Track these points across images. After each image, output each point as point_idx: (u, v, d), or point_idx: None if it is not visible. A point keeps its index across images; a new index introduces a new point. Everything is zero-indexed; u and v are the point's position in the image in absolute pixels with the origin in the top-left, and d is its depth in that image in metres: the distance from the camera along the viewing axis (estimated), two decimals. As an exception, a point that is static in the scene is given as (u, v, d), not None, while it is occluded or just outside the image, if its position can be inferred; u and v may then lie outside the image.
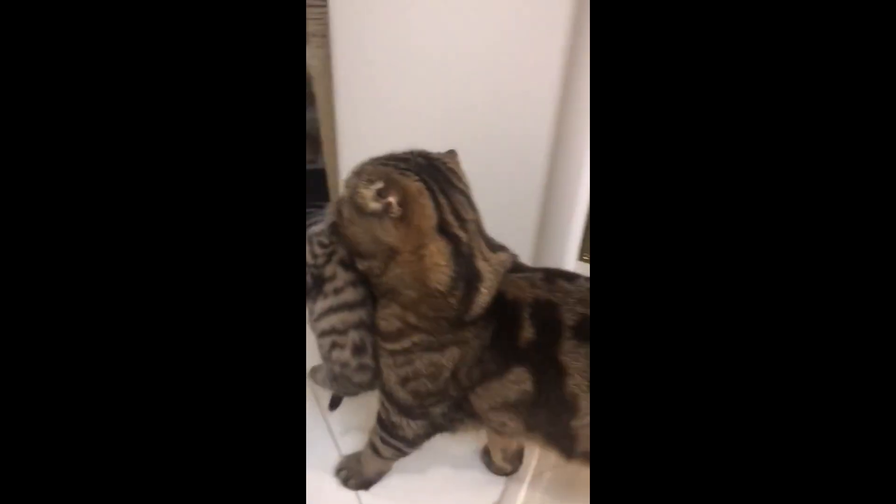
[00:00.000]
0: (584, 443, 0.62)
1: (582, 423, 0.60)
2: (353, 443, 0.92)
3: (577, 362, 0.58)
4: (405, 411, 0.69)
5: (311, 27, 1.09)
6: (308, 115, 1.85)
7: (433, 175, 0.61)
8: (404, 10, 0.89)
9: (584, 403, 0.58)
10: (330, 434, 0.95)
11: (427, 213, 0.59)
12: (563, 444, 0.64)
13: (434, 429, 0.70)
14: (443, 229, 0.60)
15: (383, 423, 0.73)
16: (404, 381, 0.66)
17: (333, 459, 0.89)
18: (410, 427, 0.70)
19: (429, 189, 0.60)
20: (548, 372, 0.59)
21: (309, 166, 1.78)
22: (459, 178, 0.65)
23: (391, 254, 0.60)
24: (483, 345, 0.60)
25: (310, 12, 1.08)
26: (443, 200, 0.60)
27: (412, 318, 0.62)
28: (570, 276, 0.63)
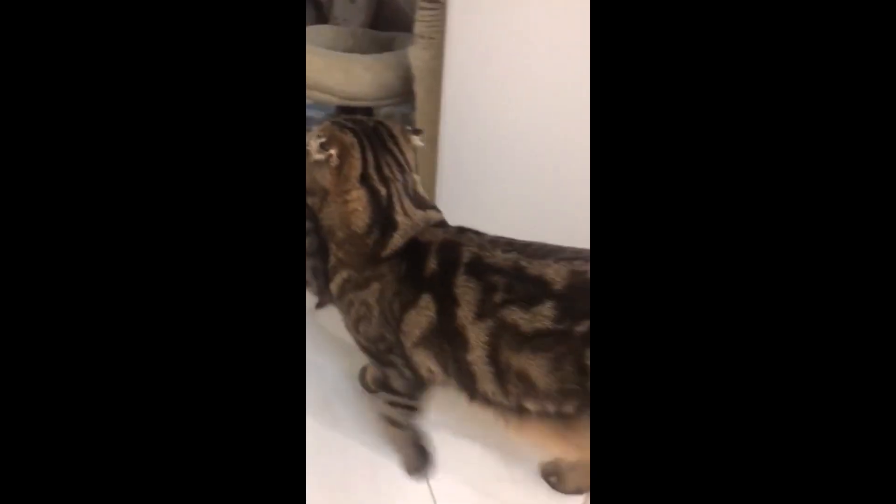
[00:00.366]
0: (482, 382, 0.67)
1: (473, 358, 0.66)
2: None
3: (466, 295, 0.66)
4: (373, 359, 0.79)
5: (418, 28, 1.12)
6: (401, 111, 1.90)
7: (370, 136, 0.74)
8: (523, 15, 0.90)
9: (472, 336, 0.65)
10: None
11: (354, 164, 0.71)
12: (465, 382, 0.69)
13: (409, 380, 0.78)
14: (364, 180, 0.71)
15: (377, 382, 0.83)
16: (355, 323, 0.77)
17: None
18: (390, 376, 0.78)
19: (360, 145, 0.72)
20: (445, 300, 0.67)
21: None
22: (396, 144, 0.76)
23: (325, 195, 0.73)
24: (397, 277, 0.70)
25: (419, 14, 1.11)
26: (370, 157, 0.72)
27: (341, 254, 0.75)
28: (480, 233, 0.73)
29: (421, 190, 0.77)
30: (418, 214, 0.74)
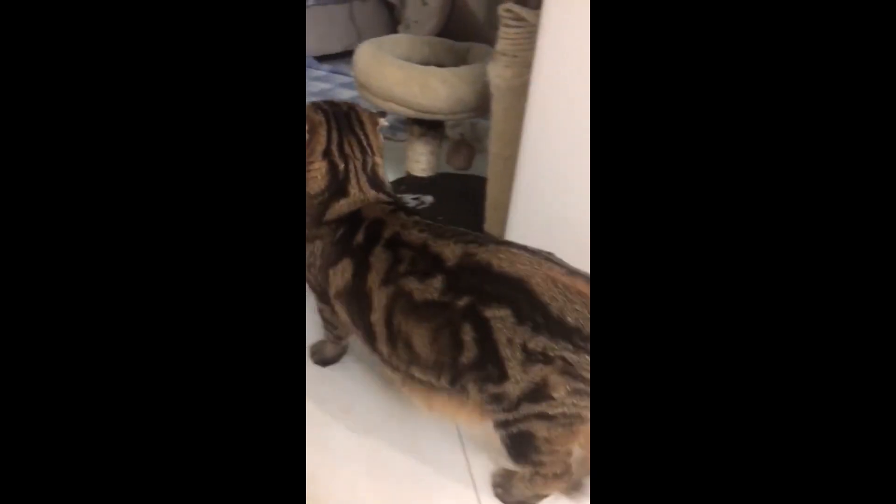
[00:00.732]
0: (380, 342, 0.77)
1: (375, 318, 0.76)
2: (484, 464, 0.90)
3: (378, 264, 0.75)
4: (315, 294, 0.92)
5: (501, 45, 1.10)
6: (472, 121, 1.88)
7: (339, 118, 0.85)
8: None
9: (376, 299, 0.75)
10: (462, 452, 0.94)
11: (320, 140, 0.84)
12: (368, 338, 0.80)
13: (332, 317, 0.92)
14: (326, 155, 0.83)
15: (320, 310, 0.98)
16: (308, 268, 0.89)
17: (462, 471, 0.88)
18: (323, 311, 0.94)
19: (327, 125, 0.84)
20: (361, 267, 0.77)
21: (463, 171, 1.82)
22: (363, 128, 0.87)
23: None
24: (331, 240, 0.82)
25: (503, 31, 1.09)
26: (334, 136, 0.84)
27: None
28: (412, 215, 0.82)
29: (381, 172, 0.89)
30: (371, 192, 0.85)
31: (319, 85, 2.63)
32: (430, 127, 1.56)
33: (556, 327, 0.64)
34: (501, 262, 0.68)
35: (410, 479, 0.87)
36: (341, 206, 0.83)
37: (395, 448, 0.92)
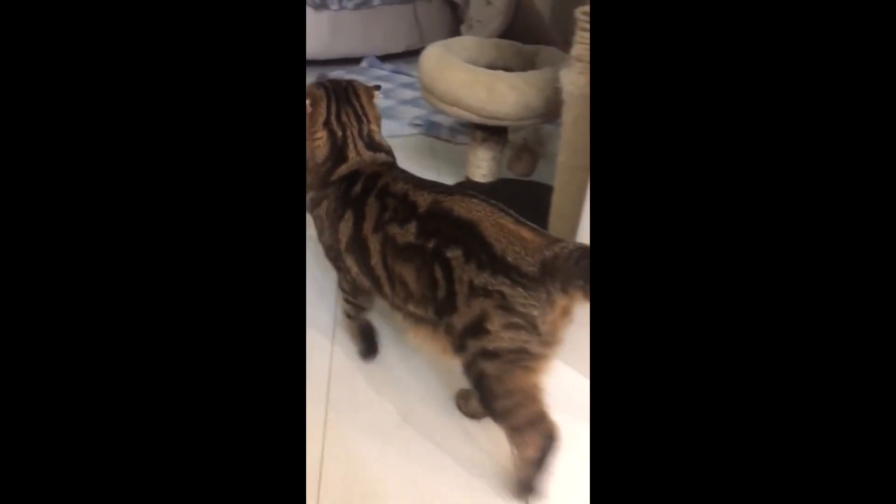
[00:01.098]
0: (384, 285, 0.86)
1: (374, 263, 0.85)
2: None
3: (370, 212, 0.85)
4: (331, 263, 1.01)
5: (577, 51, 1.05)
6: (538, 127, 1.83)
7: (337, 93, 0.97)
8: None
9: (371, 245, 0.85)
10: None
11: (321, 112, 0.95)
12: (375, 284, 0.89)
13: (351, 283, 1.00)
14: (326, 125, 0.94)
15: (338, 283, 1.06)
16: (318, 235, 0.99)
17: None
18: (340, 279, 1.03)
19: (327, 98, 0.95)
20: (358, 215, 0.87)
21: (526, 178, 1.78)
22: (358, 100, 0.98)
23: (306, 133, 0.97)
24: (336, 197, 0.91)
25: (580, 35, 1.03)
26: (333, 108, 0.95)
27: (309, 179, 0.98)
28: (404, 172, 0.91)
29: (377, 136, 0.99)
30: (368, 154, 0.95)
31: (382, 85, 2.64)
32: (493, 132, 1.52)
33: (497, 265, 0.71)
34: (461, 208, 0.77)
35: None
36: (342, 170, 0.94)
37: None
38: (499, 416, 0.77)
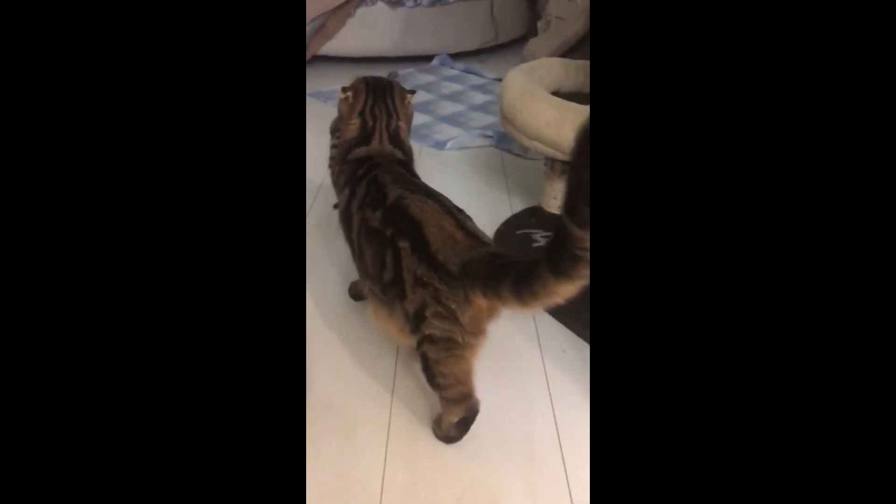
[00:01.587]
0: (357, 256, 0.98)
1: (354, 236, 0.98)
2: None
3: (358, 193, 0.97)
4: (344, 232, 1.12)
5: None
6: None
7: (377, 89, 1.10)
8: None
9: (354, 221, 0.97)
10: None
11: (359, 102, 1.09)
12: (355, 254, 1.00)
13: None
14: (361, 114, 1.08)
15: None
16: (339, 196, 1.10)
17: None
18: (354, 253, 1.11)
19: (366, 92, 1.09)
20: (352, 194, 0.99)
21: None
22: (393, 99, 1.10)
23: (343, 119, 1.12)
24: (348, 173, 1.04)
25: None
26: (369, 101, 1.08)
27: (334, 153, 1.17)
28: (407, 166, 1.06)
29: (403, 134, 1.10)
30: (388, 146, 1.07)
31: (451, 86, 2.49)
32: (574, 164, 1.41)
33: (431, 261, 0.81)
34: (415, 207, 0.87)
35: None
36: (361, 151, 1.06)
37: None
38: (434, 387, 0.90)
